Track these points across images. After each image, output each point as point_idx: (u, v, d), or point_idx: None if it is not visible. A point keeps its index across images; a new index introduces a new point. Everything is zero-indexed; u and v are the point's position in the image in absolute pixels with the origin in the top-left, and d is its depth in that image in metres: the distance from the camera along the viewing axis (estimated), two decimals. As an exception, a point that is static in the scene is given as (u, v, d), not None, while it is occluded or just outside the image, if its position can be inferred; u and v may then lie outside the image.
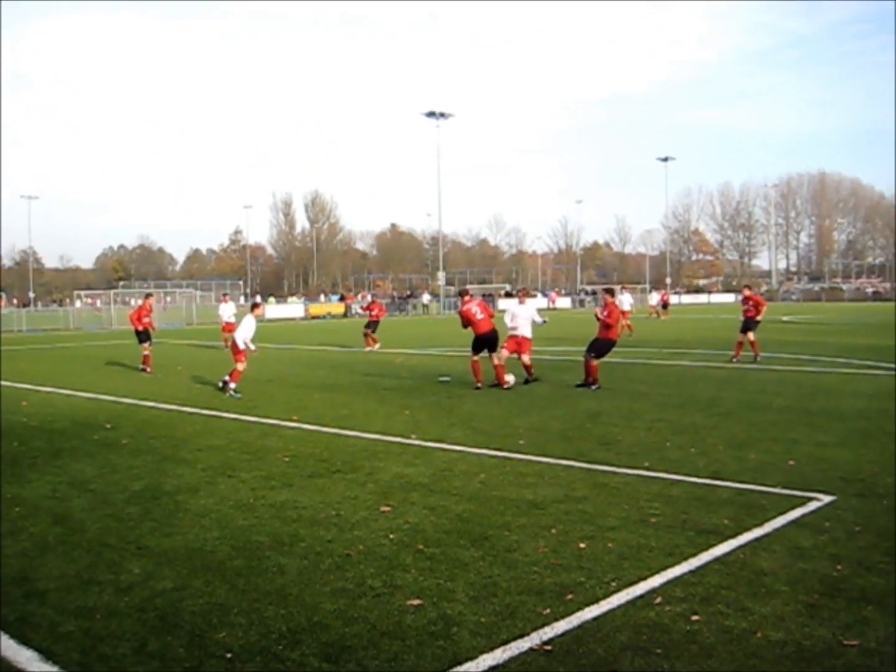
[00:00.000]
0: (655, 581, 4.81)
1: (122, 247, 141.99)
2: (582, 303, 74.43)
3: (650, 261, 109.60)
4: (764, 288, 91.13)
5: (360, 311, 39.77)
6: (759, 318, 18.74)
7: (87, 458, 8.74)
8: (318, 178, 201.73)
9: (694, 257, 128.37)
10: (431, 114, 65.56)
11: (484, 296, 66.49)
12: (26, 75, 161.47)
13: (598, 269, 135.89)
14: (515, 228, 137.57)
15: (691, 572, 4.97)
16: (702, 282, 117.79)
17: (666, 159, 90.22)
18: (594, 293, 78.39)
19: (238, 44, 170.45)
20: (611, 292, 15.18)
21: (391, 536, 5.78)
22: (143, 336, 18.82)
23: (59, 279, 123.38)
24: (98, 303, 65.03)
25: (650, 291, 61.81)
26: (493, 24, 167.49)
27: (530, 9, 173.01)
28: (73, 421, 11.37)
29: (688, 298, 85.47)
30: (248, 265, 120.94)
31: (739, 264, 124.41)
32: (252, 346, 14.28)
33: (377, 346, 23.80)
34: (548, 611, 4.41)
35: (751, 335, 18.39)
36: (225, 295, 27.92)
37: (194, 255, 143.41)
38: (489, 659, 3.87)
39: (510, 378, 14.24)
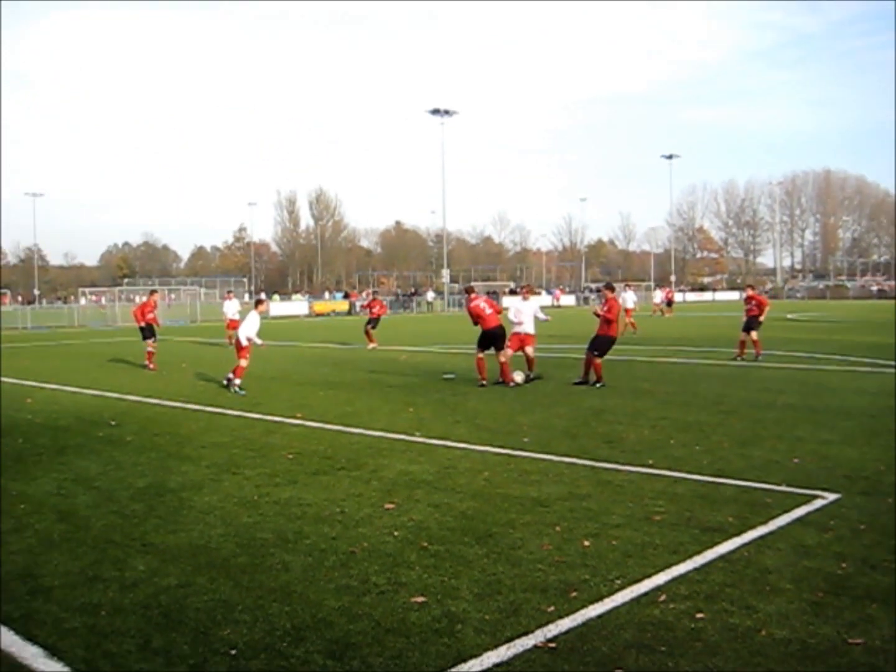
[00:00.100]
0: (660, 579, 4.81)
1: (126, 244, 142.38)
2: (586, 300, 74.35)
3: (655, 258, 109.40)
4: (769, 286, 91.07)
5: (361, 308, 39.81)
6: (761, 317, 18.72)
7: (91, 455, 8.75)
8: (323, 175, 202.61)
9: (698, 255, 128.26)
10: (436, 111, 65.70)
11: (488, 293, 66.13)
12: (26, 75, 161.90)
13: (603, 267, 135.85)
14: (519, 226, 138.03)
15: (696, 570, 4.96)
16: (706, 279, 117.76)
17: (671, 157, 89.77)
18: (598, 290, 78.30)
19: (242, 43, 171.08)
20: (611, 287, 15.13)
21: (395, 534, 5.78)
22: (146, 332, 18.86)
23: (64, 276, 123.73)
24: (103, 300, 65.23)
25: (654, 289, 61.81)
26: (494, 24, 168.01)
27: (531, 9, 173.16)
28: (78, 418, 11.39)
29: (692, 296, 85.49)
30: (252, 262, 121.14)
31: (744, 262, 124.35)
32: (259, 341, 14.31)
33: (374, 345, 23.77)
34: (552, 608, 4.40)
35: (753, 334, 18.36)
36: (229, 292, 28.01)
37: (199, 253, 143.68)
38: (493, 656, 3.86)
39: (517, 376, 14.23)
